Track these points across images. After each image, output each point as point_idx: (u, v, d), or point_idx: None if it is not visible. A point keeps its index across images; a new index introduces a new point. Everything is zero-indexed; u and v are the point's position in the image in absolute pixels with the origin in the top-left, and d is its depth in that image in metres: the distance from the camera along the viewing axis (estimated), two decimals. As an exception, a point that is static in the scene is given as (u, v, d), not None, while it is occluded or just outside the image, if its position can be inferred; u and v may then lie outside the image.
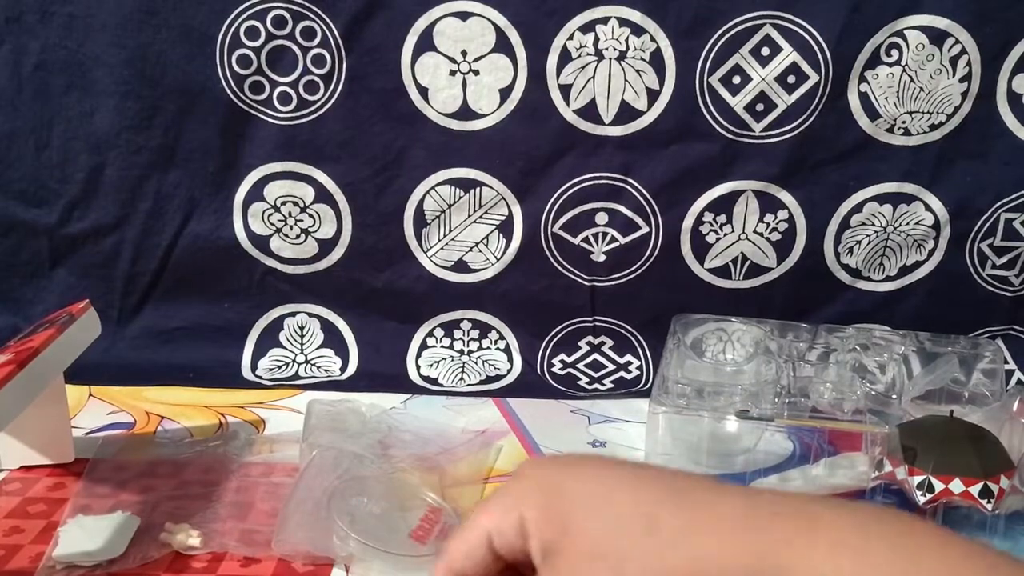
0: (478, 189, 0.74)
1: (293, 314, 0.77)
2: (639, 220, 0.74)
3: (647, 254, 0.75)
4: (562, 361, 0.78)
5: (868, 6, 0.67)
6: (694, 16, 0.68)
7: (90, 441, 0.63)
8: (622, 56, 0.69)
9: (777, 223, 0.74)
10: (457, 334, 0.78)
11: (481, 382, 0.75)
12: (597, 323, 0.77)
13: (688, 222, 0.74)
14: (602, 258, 0.75)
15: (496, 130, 0.71)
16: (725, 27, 0.68)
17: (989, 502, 0.52)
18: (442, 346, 0.78)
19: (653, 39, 0.69)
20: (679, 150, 0.72)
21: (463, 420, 0.69)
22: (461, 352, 0.78)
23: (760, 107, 0.70)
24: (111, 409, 0.69)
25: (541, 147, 0.72)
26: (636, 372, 0.77)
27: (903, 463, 0.54)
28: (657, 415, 0.57)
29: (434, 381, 0.75)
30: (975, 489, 0.52)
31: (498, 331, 0.78)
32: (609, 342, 0.78)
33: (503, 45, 0.69)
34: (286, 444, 0.64)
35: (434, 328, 0.78)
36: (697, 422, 0.58)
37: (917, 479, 0.53)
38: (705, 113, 0.71)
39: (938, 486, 0.53)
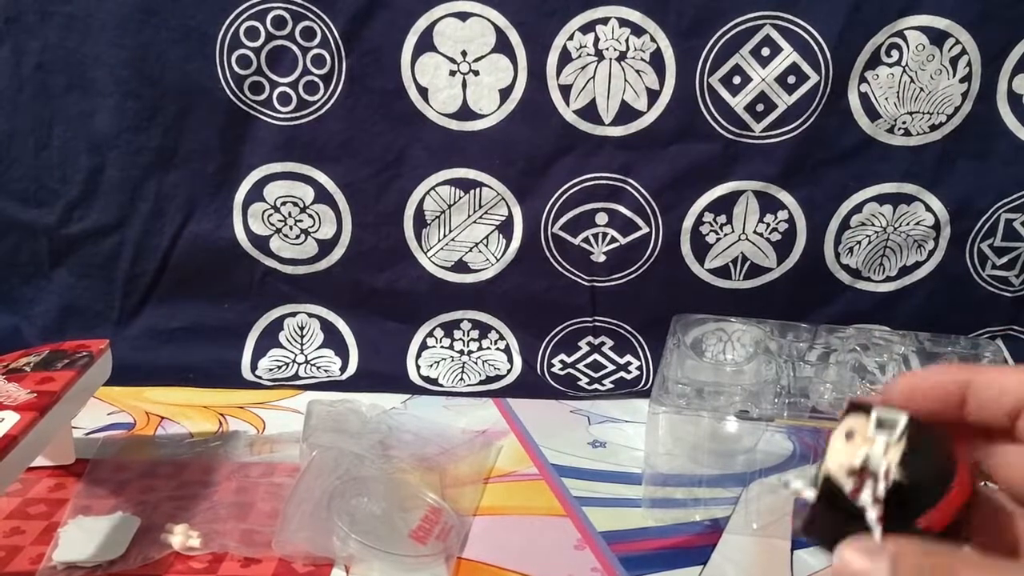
0: (478, 189, 0.74)
1: (293, 314, 0.77)
2: (639, 220, 0.74)
3: (647, 254, 0.75)
4: (562, 361, 0.78)
5: (868, 6, 0.67)
6: (694, 16, 0.68)
7: (90, 442, 0.63)
8: (622, 56, 0.69)
9: (777, 223, 0.74)
10: (457, 334, 0.78)
11: (481, 382, 0.75)
12: (597, 323, 0.77)
13: (688, 222, 0.74)
14: (602, 258, 0.75)
15: (496, 130, 0.71)
16: (725, 27, 0.68)
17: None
18: (442, 346, 0.78)
19: (653, 39, 0.69)
20: (679, 150, 0.72)
21: (463, 420, 0.69)
22: (461, 352, 0.78)
23: (760, 107, 0.70)
24: (111, 409, 0.69)
25: (541, 147, 0.72)
26: (636, 372, 0.77)
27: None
28: (657, 415, 0.57)
29: (434, 381, 0.75)
30: (975, 489, 0.52)
31: (498, 331, 0.78)
32: (609, 342, 0.78)
33: (503, 45, 0.69)
34: (286, 444, 0.64)
35: (434, 328, 0.78)
36: (697, 422, 0.58)
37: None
38: (705, 113, 0.71)
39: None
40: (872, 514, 0.25)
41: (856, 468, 0.26)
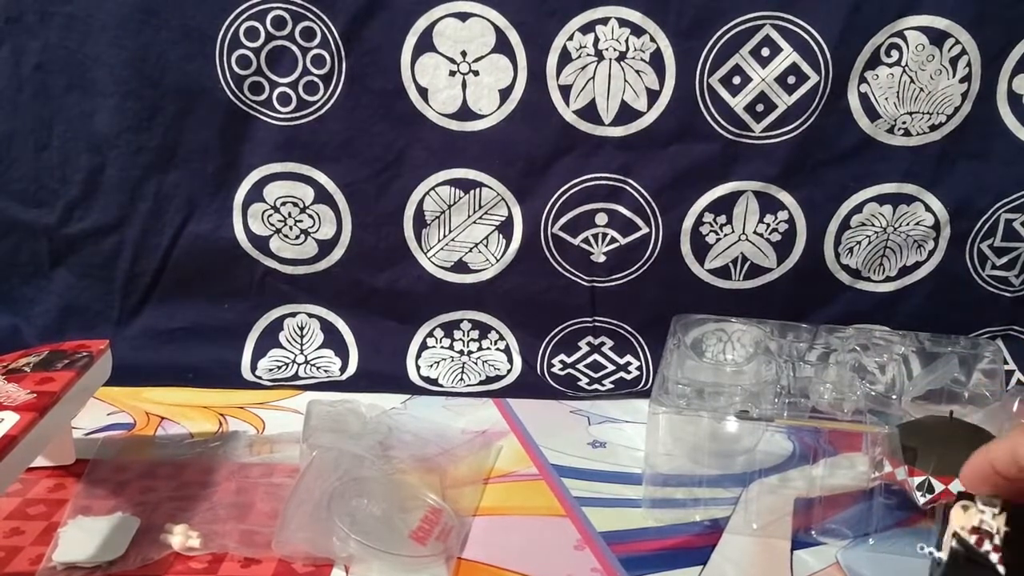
0: (478, 190, 0.74)
1: (293, 314, 0.77)
2: (639, 221, 0.74)
3: (647, 255, 0.75)
4: (562, 361, 0.78)
5: (868, 6, 0.67)
6: (694, 16, 0.68)
7: (90, 442, 0.63)
8: (622, 57, 0.69)
9: (777, 224, 0.74)
10: (457, 335, 0.78)
11: (481, 382, 0.75)
12: (597, 323, 0.77)
13: (688, 223, 0.74)
14: (602, 259, 0.75)
15: (496, 131, 0.71)
16: (725, 27, 0.68)
17: (990, 503, 0.52)
18: (442, 347, 0.78)
19: (653, 39, 0.69)
20: (679, 150, 0.72)
21: (463, 420, 0.69)
22: (461, 352, 0.78)
23: (760, 107, 0.70)
24: (111, 410, 0.69)
25: (541, 147, 0.72)
26: (636, 372, 0.77)
27: (903, 463, 0.54)
28: (657, 415, 0.57)
29: (434, 382, 0.75)
30: (976, 490, 0.52)
31: (498, 331, 0.78)
32: (609, 342, 0.78)
33: (503, 45, 0.69)
34: (286, 445, 0.64)
35: (434, 328, 0.78)
36: (697, 422, 0.58)
37: (917, 479, 0.53)
38: (705, 114, 0.71)
39: (938, 487, 0.53)
40: (995, 557, 0.37)
41: (977, 527, 0.37)
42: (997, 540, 0.37)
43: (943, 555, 0.38)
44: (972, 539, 0.38)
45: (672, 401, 0.58)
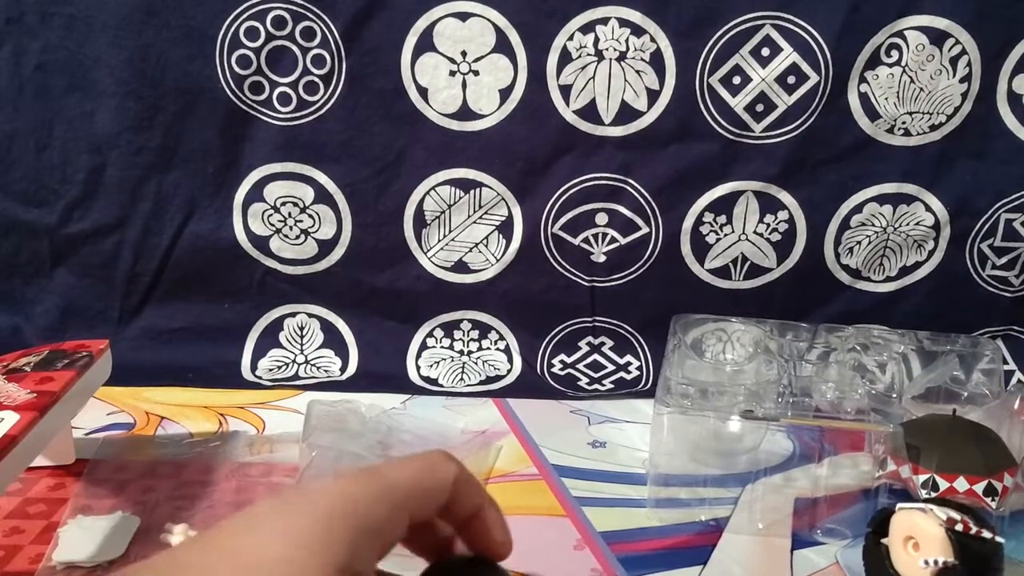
0: (478, 190, 0.74)
1: (293, 314, 0.77)
2: (639, 220, 0.74)
3: (647, 254, 0.75)
4: (562, 361, 0.78)
5: (868, 6, 0.68)
6: (694, 16, 0.68)
7: (90, 442, 0.63)
8: (622, 56, 0.69)
9: (777, 223, 0.74)
10: (457, 334, 0.78)
11: (481, 382, 0.75)
12: (597, 323, 0.77)
13: (688, 222, 0.74)
14: (602, 258, 0.75)
15: (496, 130, 0.71)
16: (725, 27, 0.68)
17: (994, 500, 0.52)
18: (442, 346, 0.78)
19: (653, 39, 0.69)
20: (679, 150, 0.72)
21: (463, 420, 0.69)
22: (461, 352, 0.78)
23: (760, 107, 0.70)
24: (111, 410, 0.69)
25: (541, 147, 0.72)
26: (636, 372, 0.77)
27: (907, 462, 0.54)
28: (662, 416, 0.56)
29: (434, 381, 0.75)
30: (979, 487, 0.52)
31: (498, 331, 0.78)
32: (609, 342, 0.78)
33: (503, 45, 0.69)
34: (286, 444, 0.64)
35: (434, 328, 0.78)
36: (702, 422, 0.58)
37: (922, 477, 0.53)
38: (705, 113, 0.71)
39: (943, 484, 0.53)
40: (988, 534, 0.43)
41: (956, 520, 0.43)
42: (972, 521, 0.42)
43: (945, 559, 0.42)
44: (960, 528, 0.42)
45: (677, 401, 0.58)
